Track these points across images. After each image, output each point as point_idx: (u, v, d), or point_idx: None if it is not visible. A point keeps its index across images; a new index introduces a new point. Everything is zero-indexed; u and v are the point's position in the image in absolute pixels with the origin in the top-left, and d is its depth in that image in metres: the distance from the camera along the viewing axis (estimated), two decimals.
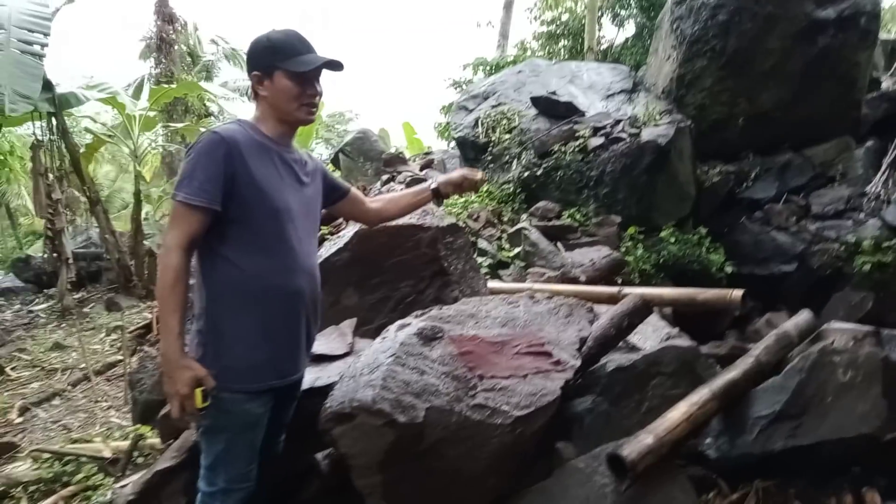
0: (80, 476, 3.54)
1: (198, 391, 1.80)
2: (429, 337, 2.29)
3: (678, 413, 2.41)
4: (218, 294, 1.93)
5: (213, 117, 17.05)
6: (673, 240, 6.21)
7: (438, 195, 2.47)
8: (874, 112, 7.67)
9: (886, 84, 8.39)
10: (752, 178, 7.55)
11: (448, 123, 15.28)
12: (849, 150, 7.36)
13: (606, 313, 3.05)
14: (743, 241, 7.03)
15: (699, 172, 7.36)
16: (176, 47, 16.53)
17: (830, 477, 2.52)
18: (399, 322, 2.47)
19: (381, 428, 1.95)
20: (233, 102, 17.35)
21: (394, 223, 3.43)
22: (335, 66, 2.02)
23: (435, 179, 2.46)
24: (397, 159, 7.84)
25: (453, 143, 15.30)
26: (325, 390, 2.56)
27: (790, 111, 7.37)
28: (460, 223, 4.27)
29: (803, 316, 3.40)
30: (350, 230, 3.51)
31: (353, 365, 2.26)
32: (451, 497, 2.09)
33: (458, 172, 2.49)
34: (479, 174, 2.49)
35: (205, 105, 16.61)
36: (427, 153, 11.11)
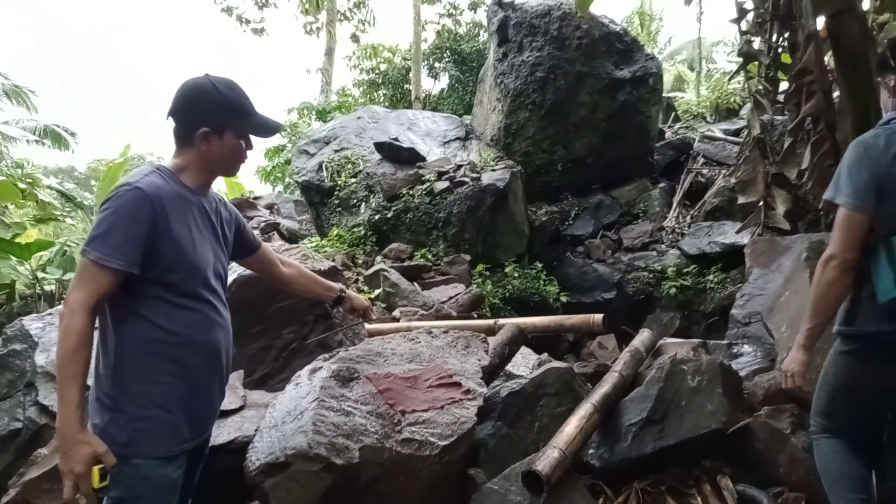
0: None
1: (95, 469, 1.63)
2: (346, 378, 2.30)
3: (571, 427, 2.66)
4: (129, 353, 1.78)
5: None
6: (516, 275, 6.71)
7: (339, 302, 2.51)
8: (663, 158, 9.07)
9: (669, 134, 9.94)
10: (572, 217, 8.45)
11: (273, 167, 15.04)
12: (647, 190, 8.59)
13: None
14: (570, 273, 7.81)
15: (529, 213, 8.07)
16: None
17: (689, 470, 2.91)
18: (308, 367, 2.44)
19: (319, 473, 1.92)
20: (16, 145, 15.36)
21: None
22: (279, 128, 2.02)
23: (345, 290, 2.51)
24: (247, 203, 7.59)
25: (280, 187, 15.06)
26: (228, 447, 2.45)
27: (599, 157, 8.45)
28: None
29: (646, 334, 3.90)
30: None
31: (271, 415, 2.20)
32: None
33: (363, 302, 2.57)
34: (373, 314, 2.66)
35: None
36: (256, 198, 10.79)
